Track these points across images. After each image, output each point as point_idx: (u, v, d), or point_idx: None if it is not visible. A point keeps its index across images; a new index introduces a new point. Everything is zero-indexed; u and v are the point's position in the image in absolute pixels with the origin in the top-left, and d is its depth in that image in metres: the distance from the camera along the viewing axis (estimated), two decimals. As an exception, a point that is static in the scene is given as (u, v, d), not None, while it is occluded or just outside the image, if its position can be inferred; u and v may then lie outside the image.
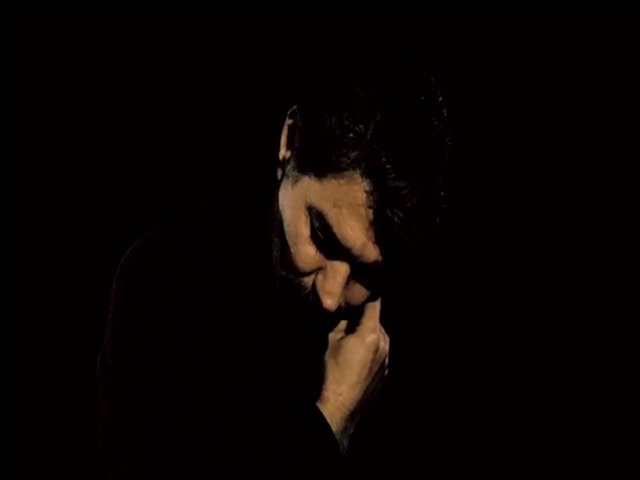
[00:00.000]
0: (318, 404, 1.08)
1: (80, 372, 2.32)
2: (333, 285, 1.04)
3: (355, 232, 1.00)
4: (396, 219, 0.98)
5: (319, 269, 1.05)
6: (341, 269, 1.04)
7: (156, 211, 2.31)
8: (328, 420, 1.06)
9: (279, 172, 1.10)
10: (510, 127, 2.37)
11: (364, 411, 1.11)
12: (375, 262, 1.04)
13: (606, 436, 2.34)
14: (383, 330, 1.13)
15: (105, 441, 1.15)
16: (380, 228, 1.00)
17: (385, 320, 1.18)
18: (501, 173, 2.37)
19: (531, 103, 2.36)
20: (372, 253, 1.02)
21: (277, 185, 1.10)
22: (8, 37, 2.27)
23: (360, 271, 1.06)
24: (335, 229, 1.01)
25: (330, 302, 1.04)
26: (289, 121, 1.08)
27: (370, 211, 0.98)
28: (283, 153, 1.08)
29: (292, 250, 1.05)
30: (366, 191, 0.98)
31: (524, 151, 2.37)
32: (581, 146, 2.37)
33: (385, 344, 1.13)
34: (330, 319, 1.10)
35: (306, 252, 1.04)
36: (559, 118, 2.37)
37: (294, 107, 1.08)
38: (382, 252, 1.02)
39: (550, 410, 2.35)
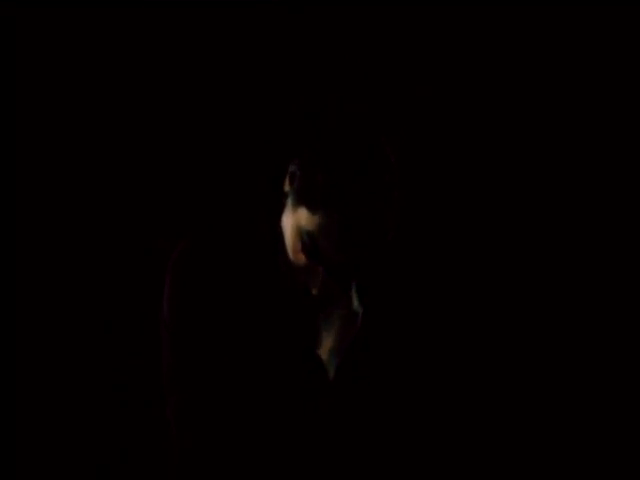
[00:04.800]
0: (316, 350, 1.61)
1: (80, 372, 2.34)
2: (316, 282, 1.56)
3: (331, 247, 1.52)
4: (357, 240, 1.49)
5: (309, 269, 1.56)
6: (322, 271, 1.55)
7: (154, 212, 2.34)
8: (321, 356, 1.60)
9: (283, 200, 1.59)
10: (507, 128, 2.38)
11: (343, 351, 1.61)
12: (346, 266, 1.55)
13: (605, 436, 2.35)
14: (357, 300, 1.62)
15: (169, 378, 1.63)
16: (347, 244, 1.50)
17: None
18: (495, 173, 2.38)
19: (527, 104, 2.37)
20: (343, 259, 1.53)
21: (283, 209, 1.59)
22: (8, 37, 2.27)
23: None
24: (318, 244, 1.52)
25: (315, 292, 1.58)
26: (291, 167, 1.56)
27: (341, 233, 1.49)
28: (286, 188, 1.56)
29: (291, 257, 1.57)
30: (338, 222, 1.48)
31: (521, 151, 2.38)
32: (577, 148, 2.37)
33: (358, 309, 1.61)
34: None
35: (299, 259, 1.56)
36: (554, 118, 2.37)
37: (295, 159, 1.55)
38: (350, 259, 1.52)
39: (538, 402, 2.36)
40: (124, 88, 2.33)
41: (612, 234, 2.36)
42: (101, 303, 2.34)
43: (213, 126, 2.36)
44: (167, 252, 1.65)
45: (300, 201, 1.52)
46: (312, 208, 1.50)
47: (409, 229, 1.66)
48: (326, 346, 1.60)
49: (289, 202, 1.56)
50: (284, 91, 2.35)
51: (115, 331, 2.33)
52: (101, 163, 2.34)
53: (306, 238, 1.52)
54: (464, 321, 2.31)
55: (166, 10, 2.32)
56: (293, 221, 1.55)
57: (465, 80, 2.36)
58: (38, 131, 2.32)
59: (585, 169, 2.37)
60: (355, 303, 1.62)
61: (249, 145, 2.33)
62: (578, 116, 2.36)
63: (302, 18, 2.34)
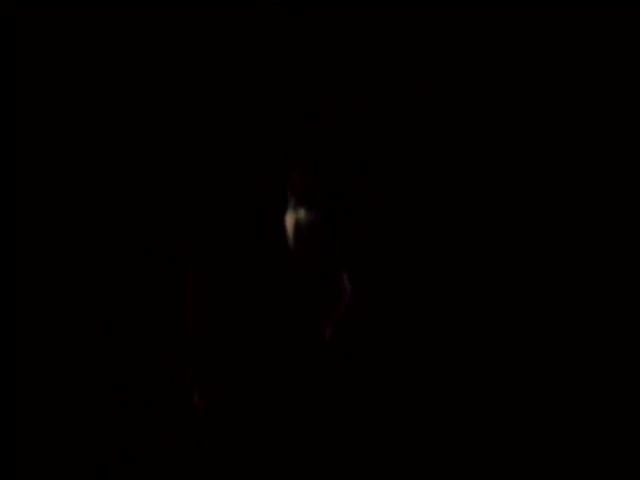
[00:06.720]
0: (314, 318, 1.94)
1: (80, 372, 2.34)
2: (313, 265, 1.91)
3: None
4: (345, 232, 1.85)
5: (307, 255, 1.90)
6: (318, 256, 1.89)
7: (154, 213, 2.35)
8: (318, 323, 1.91)
9: (286, 202, 1.94)
10: (506, 128, 2.38)
11: (336, 318, 1.97)
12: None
13: (605, 436, 2.35)
14: (347, 279, 1.98)
15: (191, 354, 1.91)
16: (337, 236, 1.86)
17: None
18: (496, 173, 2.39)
19: (529, 104, 2.38)
20: (334, 247, 1.88)
21: (286, 209, 1.94)
22: (8, 37, 2.28)
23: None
24: (314, 235, 1.88)
25: (313, 274, 1.93)
26: (293, 176, 1.90)
27: (332, 227, 1.85)
28: (288, 193, 1.90)
29: (292, 246, 1.90)
30: (330, 218, 1.85)
31: (519, 151, 2.38)
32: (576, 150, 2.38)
33: (347, 286, 1.97)
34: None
35: (299, 247, 1.89)
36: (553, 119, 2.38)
37: (296, 169, 1.89)
38: (339, 247, 1.87)
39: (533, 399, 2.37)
40: (125, 89, 2.33)
41: (605, 233, 2.37)
42: (101, 303, 2.34)
43: (214, 127, 2.36)
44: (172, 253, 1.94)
45: (299, 202, 1.87)
46: (309, 208, 1.86)
47: (392, 223, 2.01)
48: (322, 315, 1.94)
49: (290, 203, 1.90)
50: (284, 91, 2.35)
51: (115, 331, 2.34)
52: (103, 166, 2.35)
53: (304, 231, 1.87)
54: (439, 298, 2.35)
55: (166, 10, 2.32)
56: (293, 218, 1.89)
57: (464, 80, 2.36)
58: (38, 130, 2.32)
59: (583, 172, 2.37)
60: (345, 281, 1.98)
61: (256, 150, 2.36)
62: (577, 117, 2.36)
63: (302, 18, 2.34)
